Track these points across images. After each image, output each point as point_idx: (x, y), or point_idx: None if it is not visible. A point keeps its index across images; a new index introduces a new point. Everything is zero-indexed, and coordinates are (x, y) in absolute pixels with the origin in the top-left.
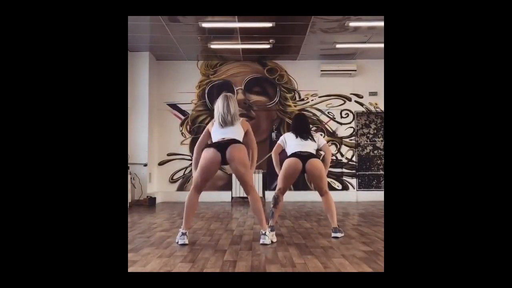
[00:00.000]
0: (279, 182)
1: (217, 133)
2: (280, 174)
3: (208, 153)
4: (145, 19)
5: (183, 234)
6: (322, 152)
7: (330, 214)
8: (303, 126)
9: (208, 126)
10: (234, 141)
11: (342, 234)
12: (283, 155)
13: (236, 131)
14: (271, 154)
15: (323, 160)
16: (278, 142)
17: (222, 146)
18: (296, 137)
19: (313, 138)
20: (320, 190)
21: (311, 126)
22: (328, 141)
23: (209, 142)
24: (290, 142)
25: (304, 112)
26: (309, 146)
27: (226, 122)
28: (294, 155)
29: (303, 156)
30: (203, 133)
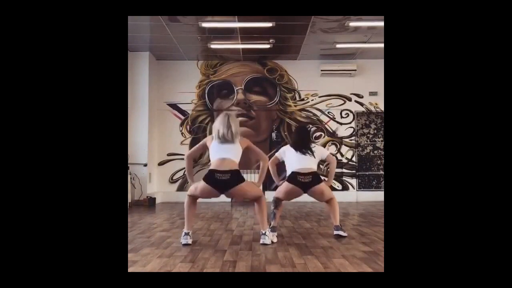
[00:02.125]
0: (279, 193)
1: (215, 150)
2: (281, 189)
3: (206, 189)
4: (145, 19)
5: (186, 234)
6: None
7: (333, 215)
8: (303, 140)
9: (207, 140)
10: (234, 174)
11: (345, 234)
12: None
13: (235, 150)
14: (273, 152)
15: (328, 171)
16: (276, 155)
17: (221, 184)
18: (296, 151)
19: (313, 154)
20: (324, 200)
21: (312, 129)
22: (328, 141)
23: (209, 165)
24: (290, 156)
25: (305, 126)
26: (309, 161)
27: (226, 139)
28: (295, 181)
29: (304, 184)
30: (199, 144)
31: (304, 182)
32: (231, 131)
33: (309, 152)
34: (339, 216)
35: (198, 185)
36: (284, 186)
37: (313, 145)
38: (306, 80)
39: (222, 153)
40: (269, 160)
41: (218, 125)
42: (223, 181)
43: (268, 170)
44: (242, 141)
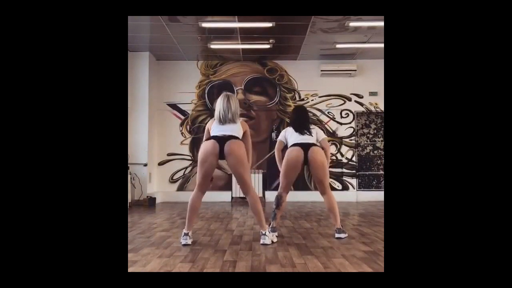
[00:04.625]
0: (281, 178)
1: (216, 129)
2: (282, 168)
3: (206, 145)
4: (145, 19)
5: (185, 234)
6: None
7: (333, 215)
8: (302, 120)
9: (208, 125)
10: (234, 137)
11: (346, 235)
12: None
13: (236, 129)
14: (272, 153)
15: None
16: (279, 139)
17: (221, 139)
18: (296, 131)
19: (311, 133)
20: (321, 185)
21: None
22: (328, 141)
23: None
24: (290, 135)
25: (303, 106)
26: (308, 139)
27: (226, 120)
28: (296, 144)
29: (304, 145)
30: (205, 133)
31: (304, 143)
32: (231, 111)
33: (307, 133)
34: (339, 216)
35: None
36: (285, 157)
37: (312, 126)
38: (306, 80)
39: (224, 131)
40: (275, 153)
41: (218, 106)
42: (222, 137)
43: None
44: (243, 124)
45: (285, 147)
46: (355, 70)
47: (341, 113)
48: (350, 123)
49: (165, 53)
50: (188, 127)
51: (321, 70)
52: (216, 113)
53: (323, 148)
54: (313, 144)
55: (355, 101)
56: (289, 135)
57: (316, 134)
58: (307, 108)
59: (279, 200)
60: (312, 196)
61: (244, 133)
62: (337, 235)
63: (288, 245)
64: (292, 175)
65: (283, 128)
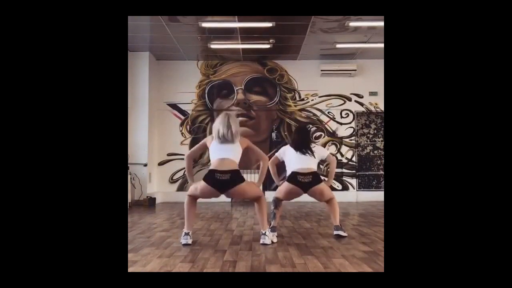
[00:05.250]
0: (280, 193)
1: (215, 150)
2: (281, 189)
3: (206, 189)
4: (145, 19)
5: (186, 234)
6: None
7: (333, 215)
8: (303, 140)
9: (207, 140)
10: (234, 174)
11: (345, 233)
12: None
13: (235, 150)
14: (273, 152)
15: (328, 171)
16: (276, 155)
17: (221, 184)
18: (296, 151)
19: (313, 154)
20: (322, 200)
21: (312, 129)
22: (328, 141)
23: (209, 165)
24: (290, 155)
25: (306, 126)
26: (309, 161)
27: (226, 139)
28: (295, 181)
29: (304, 184)
30: (199, 144)
31: (304, 182)
32: (231, 131)
33: (309, 152)
34: (339, 216)
35: (198, 185)
36: (284, 186)
37: (313, 145)
38: (306, 80)
39: (222, 153)
40: (269, 160)
41: (218, 125)
42: (223, 181)
43: (268, 170)
44: (242, 141)
45: (280, 162)
46: (355, 70)
47: (341, 113)
48: (350, 123)
49: (165, 53)
50: (188, 127)
51: (321, 70)
52: (215, 132)
53: (329, 162)
54: (314, 182)
55: (355, 101)
56: (288, 153)
57: (320, 153)
58: (308, 109)
59: (276, 202)
60: None
61: (249, 148)
62: (335, 232)
63: (288, 245)
64: (289, 199)
65: (283, 128)
